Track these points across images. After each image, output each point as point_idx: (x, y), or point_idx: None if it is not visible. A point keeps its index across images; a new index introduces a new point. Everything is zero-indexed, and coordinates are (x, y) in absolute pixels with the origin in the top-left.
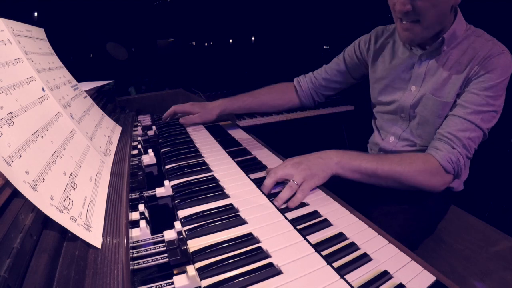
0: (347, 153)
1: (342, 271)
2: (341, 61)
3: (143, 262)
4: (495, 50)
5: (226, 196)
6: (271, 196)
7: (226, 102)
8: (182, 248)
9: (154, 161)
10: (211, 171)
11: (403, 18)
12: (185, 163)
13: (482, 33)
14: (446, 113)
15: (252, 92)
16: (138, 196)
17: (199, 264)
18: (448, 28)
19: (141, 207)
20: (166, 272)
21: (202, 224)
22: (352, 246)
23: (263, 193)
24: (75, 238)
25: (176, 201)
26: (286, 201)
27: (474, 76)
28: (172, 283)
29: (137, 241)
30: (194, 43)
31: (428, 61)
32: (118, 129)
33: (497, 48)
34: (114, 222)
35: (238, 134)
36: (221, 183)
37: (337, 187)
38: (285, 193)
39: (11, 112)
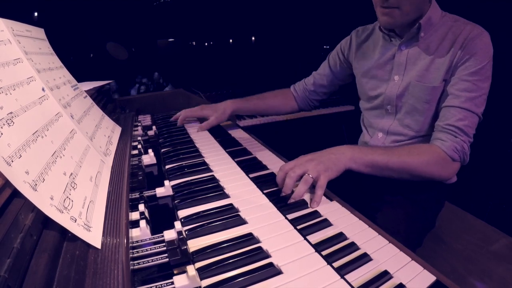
0: (359, 148)
1: (342, 271)
2: (326, 66)
3: (143, 262)
4: (475, 32)
5: (226, 196)
6: (271, 196)
7: (237, 103)
8: (182, 248)
9: (154, 161)
10: (211, 171)
11: (382, 4)
12: (185, 163)
13: (458, 18)
14: (434, 98)
15: (259, 95)
16: (138, 196)
17: (199, 264)
18: (424, 14)
19: (141, 207)
20: (166, 272)
21: (202, 224)
22: (352, 246)
23: (263, 193)
24: (75, 238)
25: (176, 201)
26: (288, 197)
27: (459, 61)
28: (172, 283)
29: (137, 241)
30: (194, 43)
31: (408, 50)
32: (118, 129)
33: (476, 30)
34: (114, 222)
35: (238, 134)
36: (221, 183)
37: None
38: (302, 189)
39: (11, 112)
